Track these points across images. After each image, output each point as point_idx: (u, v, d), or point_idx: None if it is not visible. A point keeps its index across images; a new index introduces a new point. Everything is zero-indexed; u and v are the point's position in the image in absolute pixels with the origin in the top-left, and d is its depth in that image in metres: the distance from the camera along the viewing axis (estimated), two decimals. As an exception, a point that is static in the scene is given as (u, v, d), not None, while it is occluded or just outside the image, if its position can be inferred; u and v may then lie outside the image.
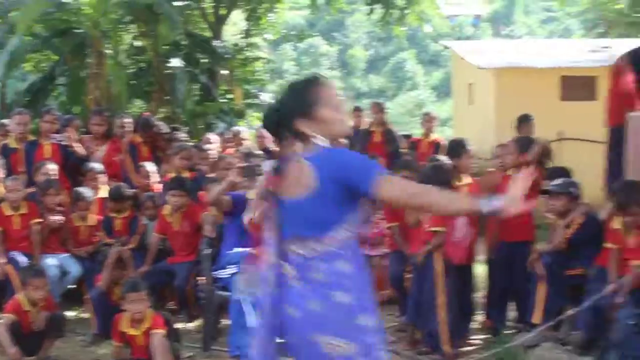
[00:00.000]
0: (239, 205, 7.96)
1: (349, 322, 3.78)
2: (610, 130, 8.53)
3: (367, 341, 3.81)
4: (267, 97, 21.08)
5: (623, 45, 13.62)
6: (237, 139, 11.78)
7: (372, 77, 59.03)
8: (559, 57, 22.19)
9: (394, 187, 3.70)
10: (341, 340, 3.75)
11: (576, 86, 20.08)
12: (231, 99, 18.47)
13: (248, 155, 9.63)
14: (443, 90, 49.76)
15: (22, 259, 8.54)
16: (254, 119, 21.01)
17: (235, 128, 13.41)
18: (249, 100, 20.12)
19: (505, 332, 7.87)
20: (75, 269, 8.90)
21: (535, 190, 7.97)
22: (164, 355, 6.78)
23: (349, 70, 58.96)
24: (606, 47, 23.28)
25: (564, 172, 8.41)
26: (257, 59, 21.36)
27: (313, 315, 3.77)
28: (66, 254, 9.01)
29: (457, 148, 8.64)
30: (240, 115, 18.96)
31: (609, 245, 7.23)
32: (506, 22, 68.64)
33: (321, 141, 3.82)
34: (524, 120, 10.87)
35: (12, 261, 8.58)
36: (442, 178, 7.37)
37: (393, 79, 57.78)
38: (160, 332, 6.85)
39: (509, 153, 8.44)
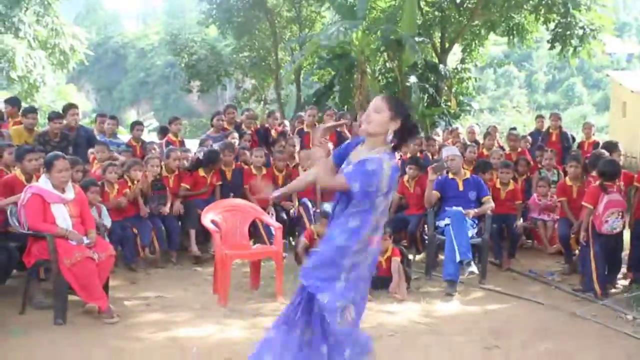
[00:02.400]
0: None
1: None
2: None
3: None
4: (475, 106, 20.86)
5: None
6: (454, 133, 11.70)
7: (550, 95, 56.72)
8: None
9: None
10: None
11: None
12: (449, 106, 18.31)
13: (465, 145, 9.59)
14: (601, 107, 47.20)
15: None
16: (465, 120, 20.81)
17: (454, 126, 13.29)
18: (463, 107, 20.00)
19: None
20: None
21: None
22: (400, 274, 6.89)
23: (532, 89, 57.04)
24: None
25: None
26: (469, 78, 21.02)
27: None
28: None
29: (610, 147, 8.35)
30: (456, 117, 18.83)
31: None
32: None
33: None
34: None
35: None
36: (614, 170, 6.97)
37: (565, 97, 55.23)
38: (397, 259, 6.98)
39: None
